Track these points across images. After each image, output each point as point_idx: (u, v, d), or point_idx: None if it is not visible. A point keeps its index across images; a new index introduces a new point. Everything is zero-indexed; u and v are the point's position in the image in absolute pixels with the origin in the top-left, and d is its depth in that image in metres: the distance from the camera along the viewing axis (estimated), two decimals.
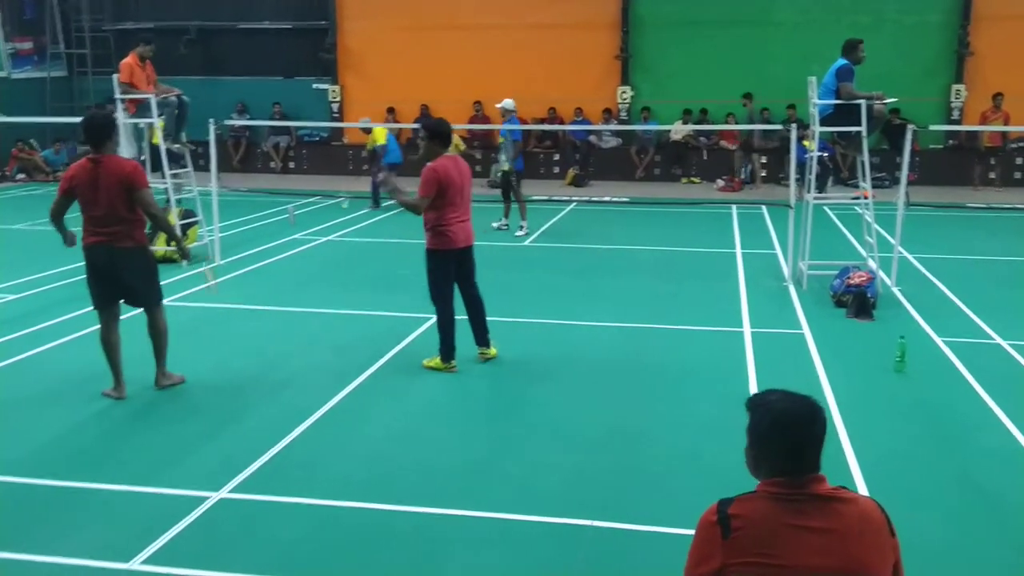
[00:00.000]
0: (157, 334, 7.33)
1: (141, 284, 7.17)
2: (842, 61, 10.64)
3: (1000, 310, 9.74)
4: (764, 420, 2.92)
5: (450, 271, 7.81)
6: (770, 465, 2.87)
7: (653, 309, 9.93)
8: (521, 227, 14.75)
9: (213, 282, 7.48)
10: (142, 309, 7.38)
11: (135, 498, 5.52)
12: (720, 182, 20.83)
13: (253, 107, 23.38)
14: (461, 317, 7.91)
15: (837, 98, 10.55)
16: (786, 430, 2.85)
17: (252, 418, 6.83)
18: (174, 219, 12.11)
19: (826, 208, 16.46)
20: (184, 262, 7.47)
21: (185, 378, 7.46)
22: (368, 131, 18.01)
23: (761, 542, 2.74)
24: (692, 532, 2.92)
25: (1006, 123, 19.35)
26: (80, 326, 9.04)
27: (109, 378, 7.24)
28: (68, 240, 7.40)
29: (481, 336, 8.10)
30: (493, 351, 8.12)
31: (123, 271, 7.03)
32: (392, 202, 13.31)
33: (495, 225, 14.90)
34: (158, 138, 12.54)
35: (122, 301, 7.25)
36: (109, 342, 7.17)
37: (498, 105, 15.14)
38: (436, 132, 7.73)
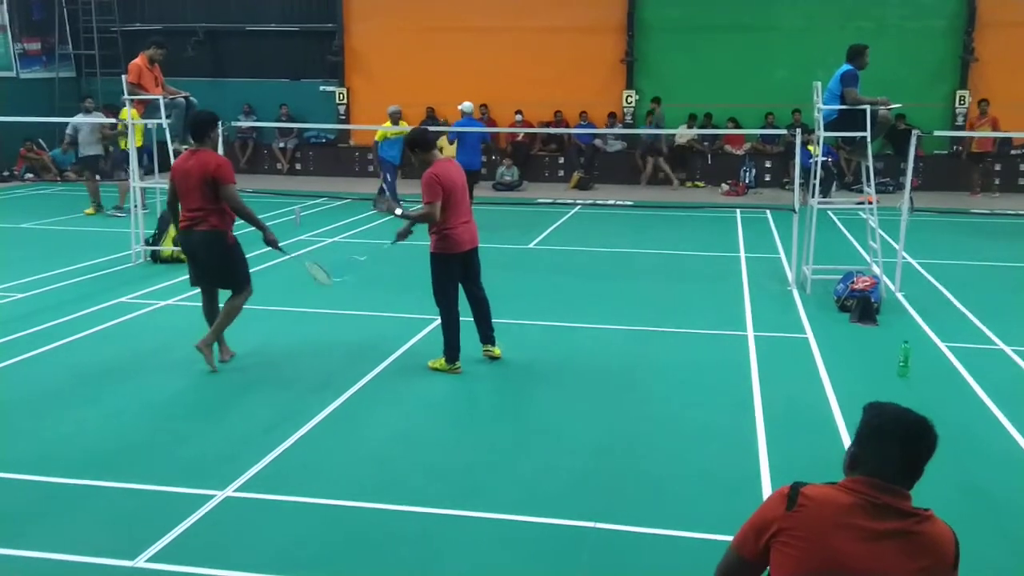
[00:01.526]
0: (228, 310, 7.78)
1: (217, 265, 7.66)
2: (847, 66, 10.66)
3: (1004, 315, 9.75)
4: (873, 420, 2.95)
5: (455, 274, 7.83)
6: (863, 466, 2.89)
7: (657, 312, 9.95)
8: None
9: (320, 274, 7.95)
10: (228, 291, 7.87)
11: (140, 496, 5.55)
12: (725, 186, 20.86)
13: (260, 109, 23.45)
14: (467, 319, 7.94)
15: (842, 103, 10.58)
16: (889, 436, 2.88)
17: (257, 417, 6.86)
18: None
19: (830, 213, 16.46)
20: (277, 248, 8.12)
21: (235, 353, 8.09)
22: (396, 121, 17.07)
23: (820, 525, 2.77)
24: (695, 535, 2.94)
25: (994, 128, 19.28)
26: (87, 325, 9.09)
27: (113, 376, 7.34)
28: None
29: (485, 334, 8.12)
30: (497, 350, 8.11)
31: (200, 252, 7.59)
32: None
33: None
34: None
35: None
36: (207, 312, 7.92)
37: (459, 107, 16.08)
38: (416, 142, 7.80)
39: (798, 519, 2.79)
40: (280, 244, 8.16)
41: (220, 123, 7.89)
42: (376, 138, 17.03)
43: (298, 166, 23.90)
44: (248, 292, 7.93)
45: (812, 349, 8.63)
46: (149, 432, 6.57)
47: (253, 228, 7.89)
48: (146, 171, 13.24)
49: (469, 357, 7.98)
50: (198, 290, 7.98)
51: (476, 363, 8.02)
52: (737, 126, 21.45)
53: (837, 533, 2.75)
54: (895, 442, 2.86)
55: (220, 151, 12.75)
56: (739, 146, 21.84)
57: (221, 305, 7.93)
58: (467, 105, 16.26)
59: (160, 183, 11.96)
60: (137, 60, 12.46)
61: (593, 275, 11.99)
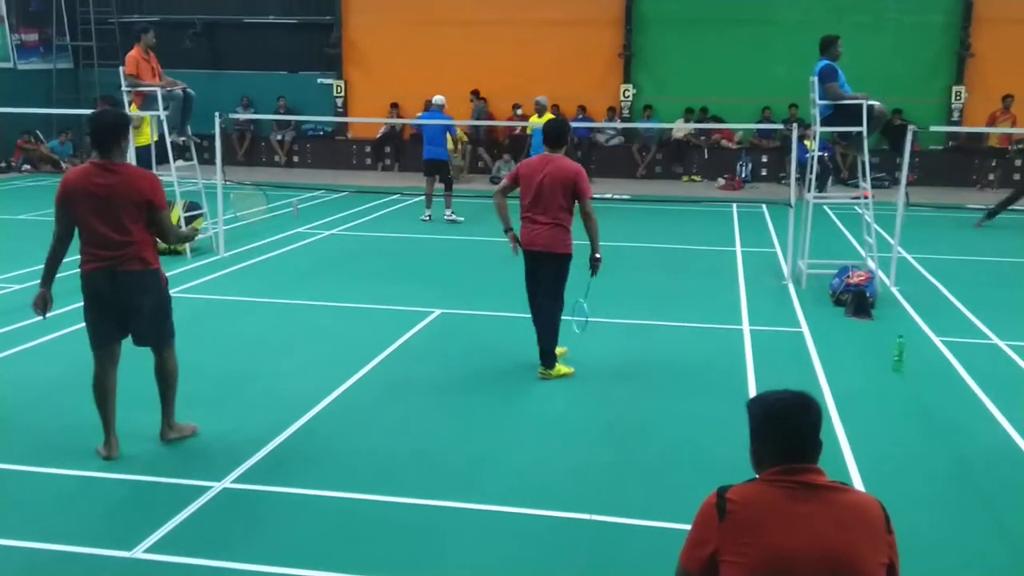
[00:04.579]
0: (165, 376, 6.22)
1: (149, 315, 5.98)
2: (823, 62, 10.57)
3: (998, 311, 9.79)
4: (759, 413, 3.04)
5: (528, 269, 7.67)
6: (768, 457, 2.97)
7: (653, 306, 9.98)
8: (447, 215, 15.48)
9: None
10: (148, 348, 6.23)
11: (138, 487, 5.59)
12: (721, 180, 20.90)
13: (258, 101, 23.47)
14: (513, 314, 7.82)
15: (823, 99, 10.52)
16: (779, 420, 2.97)
17: (255, 409, 6.89)
18: (178, 212, 12.15)
19: (826, 207, 16.51)
20: (188, 248, 6.64)
21: (198, 428, 6.42)
22: (543, 112, 16.59)
23: (753, 524, 2.83)
24: (690, 527, 2.99)
25: (1013, 125, 19.39)
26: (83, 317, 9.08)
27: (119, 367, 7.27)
28: (41, 303, 6.07)
29: (542, 353, 7.63)
30: (554, 373, 7.59)
31: (128, 298, 5.87)
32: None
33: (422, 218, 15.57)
34: (147, 138, 12.45)
35: (127, 338, 6.17)
36: (104, 389, 6.05)
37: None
38: (546, 135, 7.65)
39: (732, 528, 2.85)
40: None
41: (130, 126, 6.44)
42: (527, 132, 17.09)
43: (296, 158, 23.93)
44: (173, 345, 6.30)
45: (807, 343, 8.66)
46: (146, 423, 6.57)
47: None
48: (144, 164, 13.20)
49: (464, 351, 7.99)
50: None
51: (474, 356, 8.02)
52: (719, 122, 21.47)
53: (772, 527, 2.82)
54: (785, 424, 2.95)
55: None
56: (732, 141, 21.92)
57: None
58: (438, 98, 16.31)
59: (162, 174, 11.94)
60: (133, 52, 12.44)
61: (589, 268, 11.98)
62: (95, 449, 6.05)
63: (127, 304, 5.89)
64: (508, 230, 7.56)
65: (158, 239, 6.02)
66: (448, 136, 16.06)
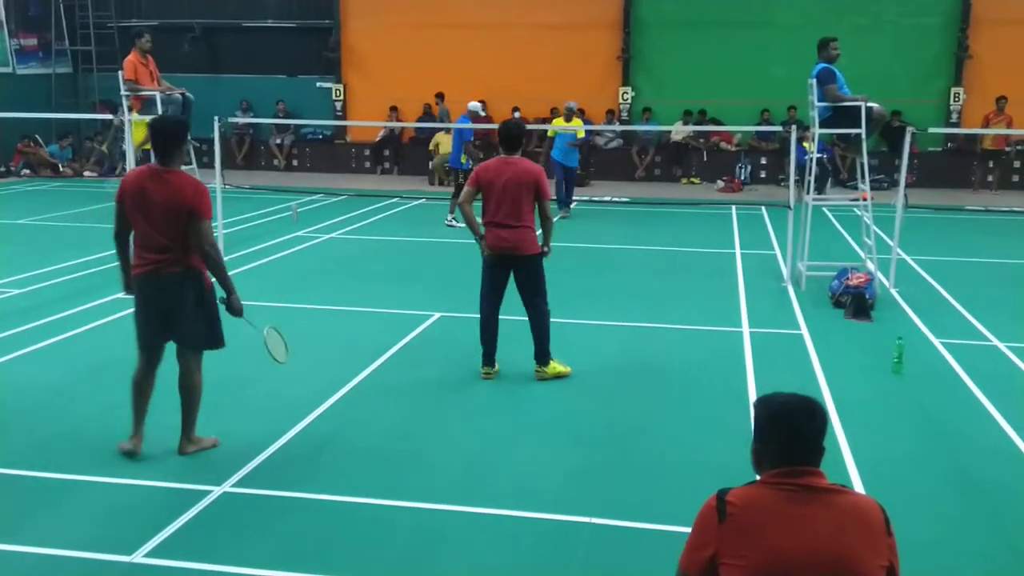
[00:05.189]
0: (190, 390, 6.13)
1: (189, 316, 5.96)
2: (821, 65, 10.55)
3: (997, 312, 9.79)
4: (764, 414, 3.03)
5: (486, 275, 7.67)
6: (770, 458, 2.97)
7: (652, 308, 9.99)
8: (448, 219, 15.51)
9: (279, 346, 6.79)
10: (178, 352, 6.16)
11: (138, 491, 5.58)
12: (720, 183, 20.92)
13: (257, 105, 23.47)
14: (509, 317, 7.79)
15: (821, 101, 10.52)
16: (784, 422, 2.96)
17: (254, 413, 6.89)
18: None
19: (825, 209, 16.53)
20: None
21: (219, 441, 6.28)
22: (568, 116, 16.84)
23: (754, 526, 2.83)
24: (689, 529, 2.99)
25: (1009, 126, 19.42)
26: (83, 321, 9.10)
27: (111, 371, 7.27)
28: (129, 285, 6.17)
29: (536, 352, 7.68)
30: (550, 371, 7.64)
31: (170, 300, 5.91)
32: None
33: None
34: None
35: (170, 340, 6.13)
36: (141, 387, 6.13)
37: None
38: (499, 137, 7.68)
39: (732, 530, 2.85)
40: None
41: (189, 134, 6.29)
42: (548, 134, 17.14)
43: (295, 162, 23.93)
44: (200, 361, 6.22)
45: (807, 345, 8.67)
46: (146, 427, 6.57)
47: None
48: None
49: (462, 352, 7.98)
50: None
51: (473, 359, 8.01)
52: (718, 124, 21.48)
53: (772, 530, 2.82)
54: (790, 426, 2.95)
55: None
56: (731, 143, 21.94)
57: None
58: (471, 104, 16.33)
59: None
60: (130, 56, 12.48)
61: (588, 271, 12.00)
62: (118, 445, 6.06)
63: (170, 304, 5.94)
64: (480, 237, 7.58)
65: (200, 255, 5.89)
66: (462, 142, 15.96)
